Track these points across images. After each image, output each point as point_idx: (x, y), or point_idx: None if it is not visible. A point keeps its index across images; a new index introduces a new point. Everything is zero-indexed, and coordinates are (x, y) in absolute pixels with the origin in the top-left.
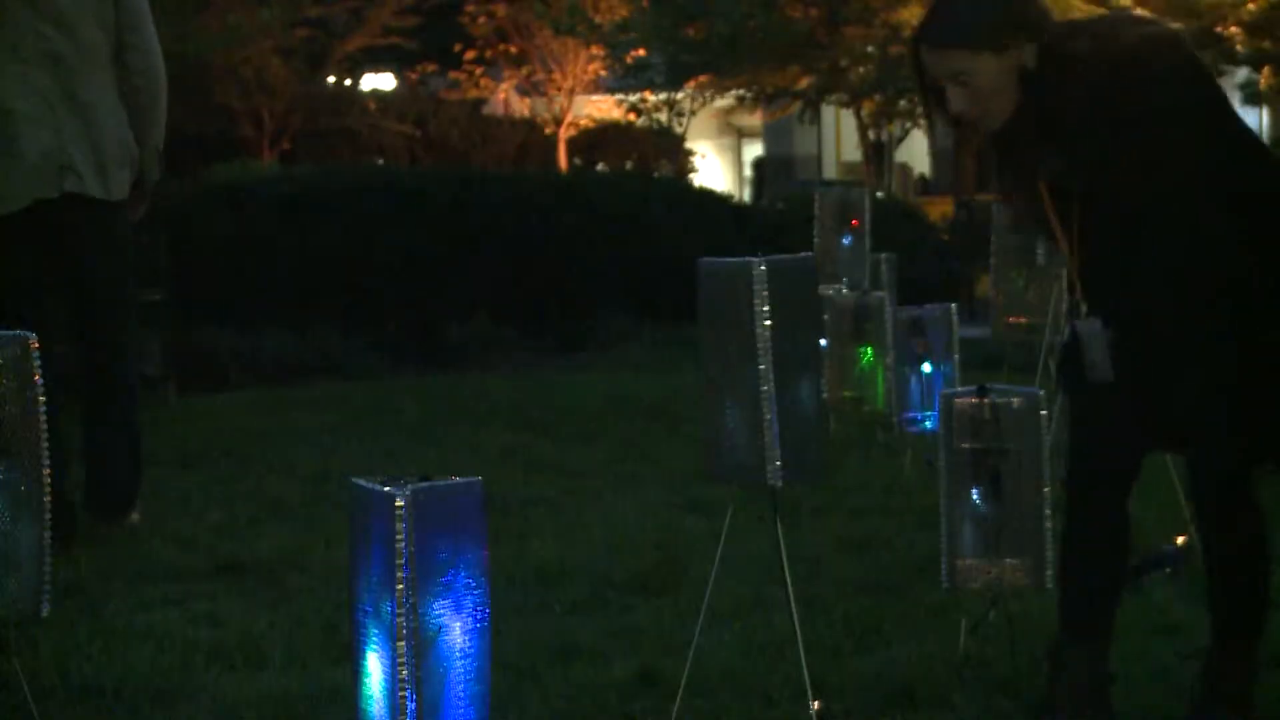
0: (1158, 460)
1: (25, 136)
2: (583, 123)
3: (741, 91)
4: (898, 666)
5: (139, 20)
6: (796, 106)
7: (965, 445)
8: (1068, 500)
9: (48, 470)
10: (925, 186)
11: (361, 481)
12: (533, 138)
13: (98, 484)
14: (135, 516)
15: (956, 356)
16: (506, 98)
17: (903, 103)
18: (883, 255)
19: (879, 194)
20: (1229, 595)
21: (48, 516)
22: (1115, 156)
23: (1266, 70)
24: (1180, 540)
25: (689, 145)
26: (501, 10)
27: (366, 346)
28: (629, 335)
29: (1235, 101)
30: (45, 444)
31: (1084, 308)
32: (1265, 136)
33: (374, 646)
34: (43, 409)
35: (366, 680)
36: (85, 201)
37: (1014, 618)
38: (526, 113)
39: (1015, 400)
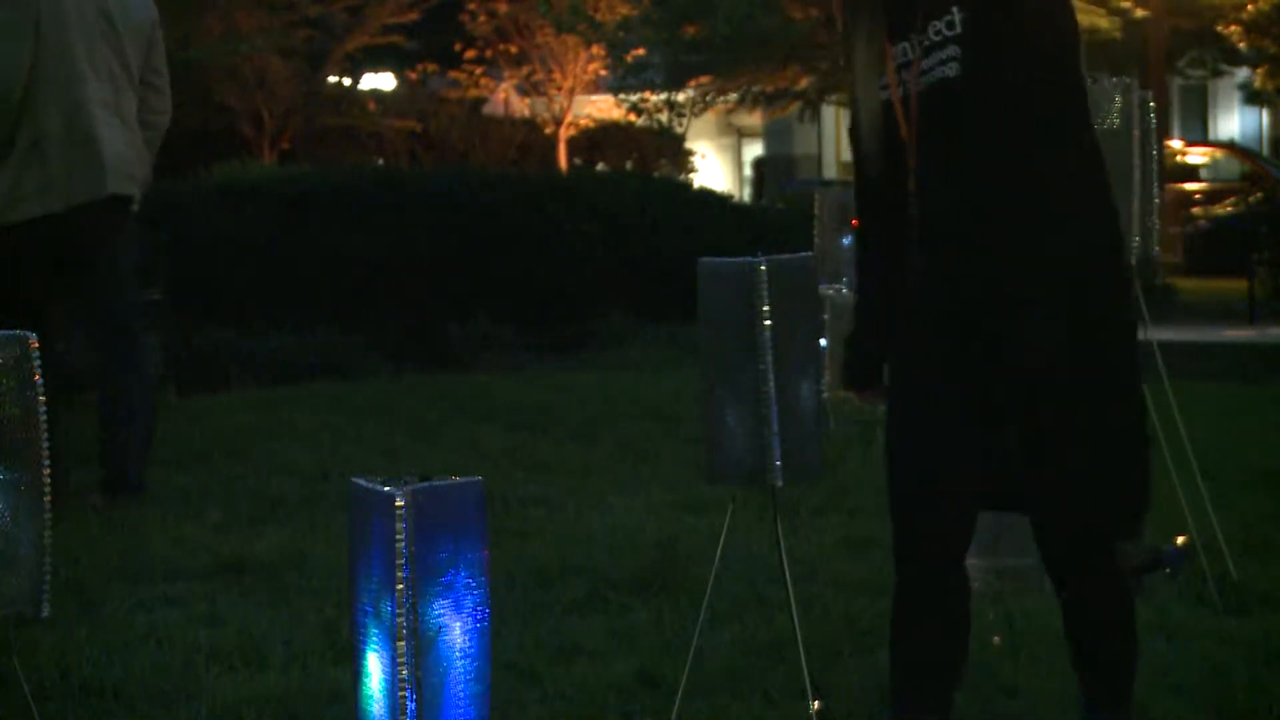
0: (1157, 460)
1: (103, 139)
2: (583, 123)
3: (734, 95)
4: None
5: (163, 65)
6: (796, 107)
7: None
8: (896, 564)
9: (47, 470)
10: None
11: (361, 481)
12: (533, 138)
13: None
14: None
15: None
16: (506, 98)
17: None
18: None
19: None
20: (1091, 661)
21: (48, 516)
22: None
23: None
24: (1180, 540)
25: (689, 145)
26: (502, 9)
27: (366, 346)
28: (629, 335)
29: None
30: (45, 444)
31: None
32: (1265, 136)
33: (374, 646)
34: (43, 409)
35: (366, 680)
36: (124, 203)
37: (1014, 618)
38: (526, 113)
39: None
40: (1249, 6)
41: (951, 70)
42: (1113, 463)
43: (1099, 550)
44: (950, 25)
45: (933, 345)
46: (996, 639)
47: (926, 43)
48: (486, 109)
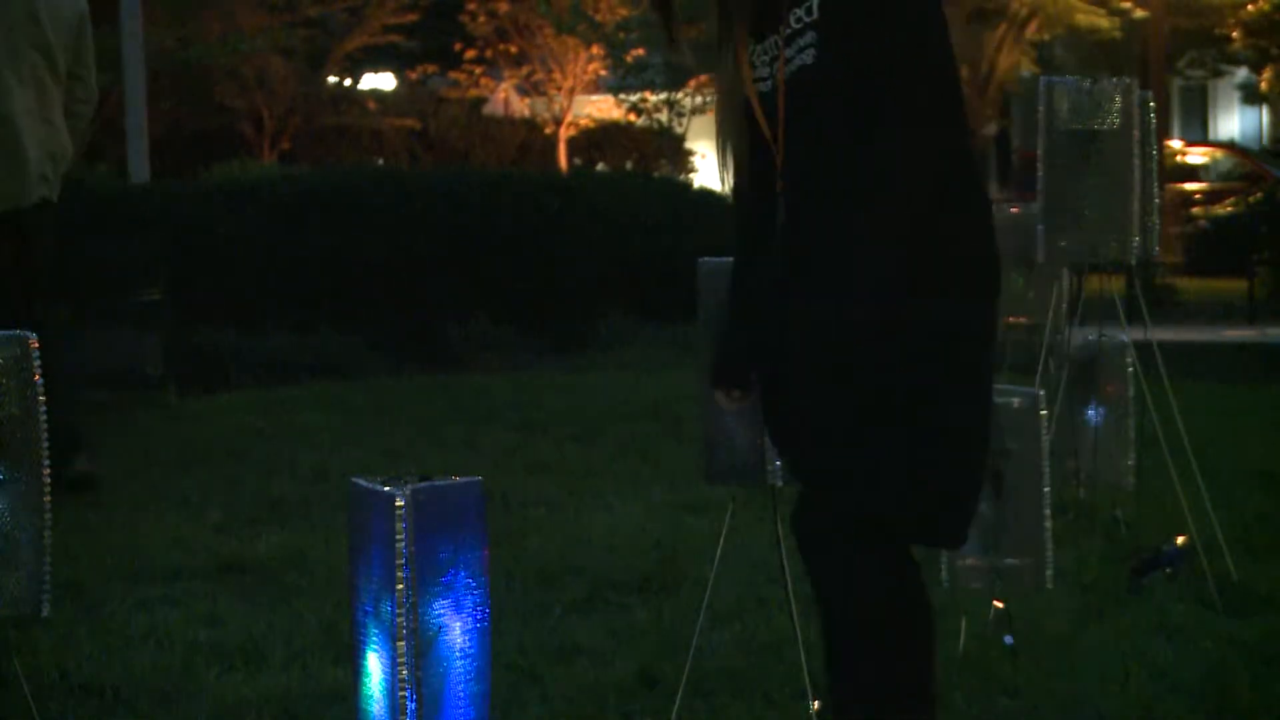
0: (1157, 459)
1: (27, 146)
2: (583, 123)
3: None
4: None
5: (90, 58)
6: None
7: None
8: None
9: (48, 470)
10: None
11: (361, 481)
12: (533, 138)
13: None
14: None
15: None
16: (506, 98)
17: None
18: None
19: None
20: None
21: (48, 516)
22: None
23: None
24: (1180, 540)
25: (689, 145)
26: (502, 9)
27: (366, 346)
28: (629, 335)
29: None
30: (45, 444)
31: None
32: (1265, 136)
33: (374, 646)
34: (43, 409)
35: (366, 680)
36: (46, 204)
37: (1014, 618)
38: (526, 113)
39: (1015, 400)
40: (1249, 6)
41: (808, 58)
42: (945, 471)
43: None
44: (809, 11)
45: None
46: (1009, 639)
47: (788, 31)
48: (486, 109)
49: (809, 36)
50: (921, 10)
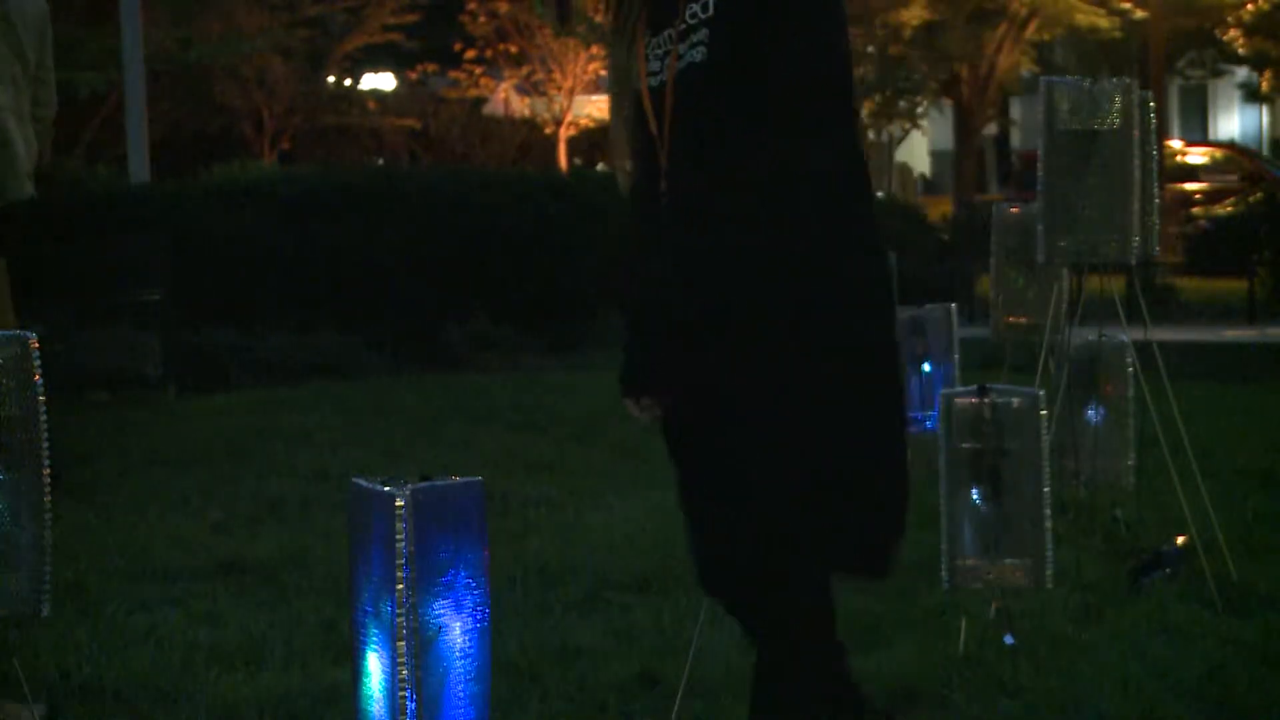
0: (1157, 459)
1: (16, 142)
2: (583, 123)
3: None
4: (898, 666)
5: (51, 62)
6: None
7: (965, 445)
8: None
9: (48, 470)
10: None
11: (361, 481)
12: (533, 138)
13: None
14: None
15: (956, 356)
16: (506, 98)
17: (902, 103)
18: None
19: (879, 194)
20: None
21: (48, 516)
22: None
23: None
24: (1180, 540)
25: None
26: (502, 9)
27: (366, 346)
28: None
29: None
30: (45, 444)
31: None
32: (1265, 136)
33: (374, 646)
34: (43, 409)
35: (366, 680)
36: (24, 202)
37: (1014, 618)
38: (526, 113)
39: (1015, 400)
40: (1248, 6)
41: (699, 55)
42: (864, 502)
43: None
44: (705, 7)
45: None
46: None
47: (683, 26)
48: (486, 109)
49: (702, 33)
50: (819, 12)
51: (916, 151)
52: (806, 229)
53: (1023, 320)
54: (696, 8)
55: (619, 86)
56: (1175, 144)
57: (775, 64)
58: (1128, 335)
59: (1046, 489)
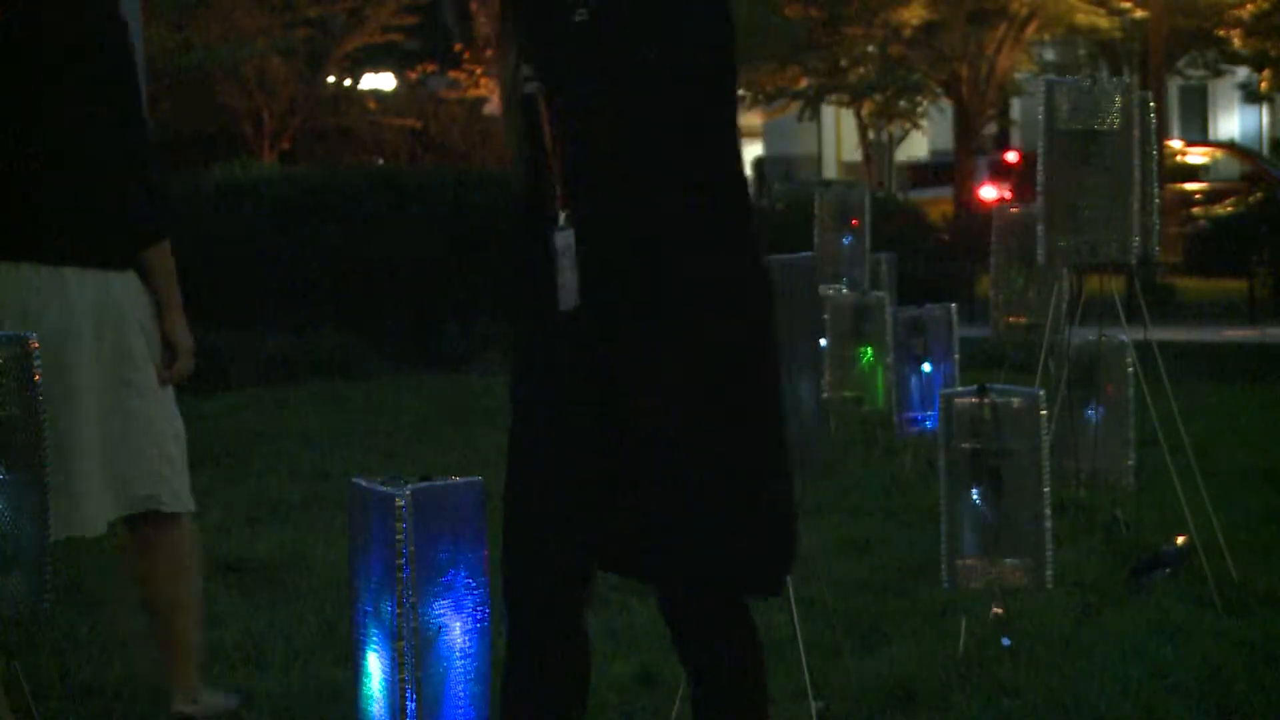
0: (1156, 459)
1: None
2: None
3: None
4: (898, 666)
5: None
6: (796, 106)
7: (965, 445)
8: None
9: (48, 470)
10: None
11: (361, 481)
12: None
13: None
14: None
15: (956, 356)
16: None
17: (903, 103)
18: (882, 255)
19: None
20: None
21: (48, 516)
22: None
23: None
24: (1180, 540)
25: None
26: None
27: (366, 346)
28: None
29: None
30: (45, 444)
31: (563, 216)
32: (1265, 136)
33: (374, 646)
34: (43, 409)
35: (366, 680)
36: None
37: (1014, 618)
38: None
39: (1015, 400)
40: (1248, 6)
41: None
42: (744, 518)
43: (726, 611)
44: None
45: (556, 376)
46: (1006, 640)
47: (570, 29)
48: (486, 109)
49: (589, 34)
50: (709, 12)
51: (917, 152)
52: (697, 244)
53: (1023, 320)
54: (584, 9)
55: (506, 96)
56: (1175, 144)
57: (657, 67)
58: (1128, 335)
59: (1046, 489)
